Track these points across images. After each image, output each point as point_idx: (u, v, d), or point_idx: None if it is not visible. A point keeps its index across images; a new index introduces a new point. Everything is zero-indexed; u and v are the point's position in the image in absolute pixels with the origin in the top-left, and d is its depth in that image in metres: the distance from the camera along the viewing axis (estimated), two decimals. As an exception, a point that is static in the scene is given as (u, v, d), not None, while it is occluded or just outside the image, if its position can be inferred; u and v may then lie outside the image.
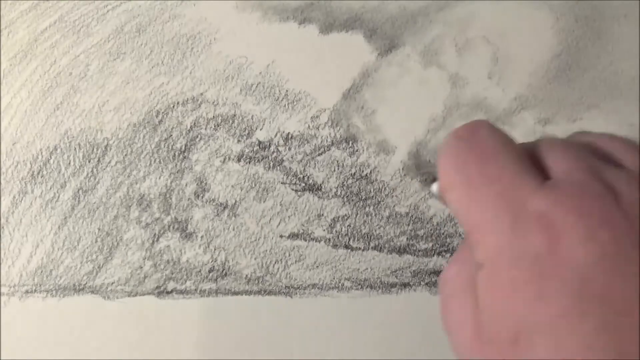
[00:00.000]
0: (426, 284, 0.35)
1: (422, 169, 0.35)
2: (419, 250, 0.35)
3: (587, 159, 0.23)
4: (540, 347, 0.20)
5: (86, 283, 0.34)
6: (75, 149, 0.34)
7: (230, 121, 0.34)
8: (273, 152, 0.34)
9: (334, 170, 0.34)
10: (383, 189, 0.35)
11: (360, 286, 0.35)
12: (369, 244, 0.35)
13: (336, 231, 0.34)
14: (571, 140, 0.26)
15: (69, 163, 0.34)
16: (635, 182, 0.21)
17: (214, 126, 0.34)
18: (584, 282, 0.20)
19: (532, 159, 0.24)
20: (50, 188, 0.34)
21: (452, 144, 0.24)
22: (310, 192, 0.34)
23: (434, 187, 0.34)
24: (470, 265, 0.23)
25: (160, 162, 0.34)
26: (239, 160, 0.34)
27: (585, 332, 0.19)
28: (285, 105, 0.34)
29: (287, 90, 0.34)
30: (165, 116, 0.34)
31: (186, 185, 0.34)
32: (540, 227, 0.21)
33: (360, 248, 0.35)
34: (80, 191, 0.34)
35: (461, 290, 0.23)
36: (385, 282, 0.35)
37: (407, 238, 0.35)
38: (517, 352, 0.20)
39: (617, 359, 0.19)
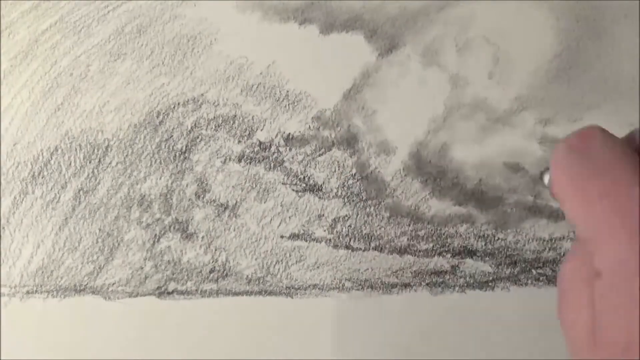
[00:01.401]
0: (427, 284, 0.35)
1: (422, 170, 0.35)
2: (420, 251, 0.35)
3: None
4: None
5: (87, 284, 0.34)
6: (76, 149, 0.34)
7: (231, 122, 0.34)
8: (274, 152, 0.34)
9: (335, 171, 0.34)
10: (384, 190, 0.35)
11: (360, 286, 0.35)
12: (369, 244, 0.35)
13: (337, 231, 0.34)
14: None
15: (70, 164, 0.34)
16: None
17: (215, 127, 0.34)
18: None
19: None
20: (51, 189, 0.34)
21: (565, 155, 0.24)
22: (311, 192, 0.34)
23: (546, 176, 0.33)
24: (587, 266, 0.23)
25: (161, 162, 0.34)
26: (239, 160, 0.34)
27: None
28: (285, 106, 0.34)
29: (287, 91, 0.34)
30: (166, 117, 0.34)
31: (187, 185, 0.34)
32: None
33: (360, 248, 0.35)
34: (81, 192, 0.34)
35: (578, 289, 0.23)
36: (386, 282, 0.35)
37: (408, 238, 0.35)
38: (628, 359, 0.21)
39: None
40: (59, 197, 0.34)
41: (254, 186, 0.34)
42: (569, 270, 0.24)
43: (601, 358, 0.22)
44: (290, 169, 0.34)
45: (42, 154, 0.34)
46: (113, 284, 0.34)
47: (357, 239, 0.35)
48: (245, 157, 0.34)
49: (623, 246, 0.22)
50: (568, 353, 0.24)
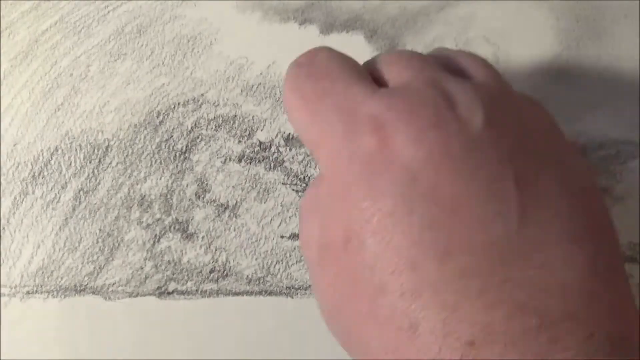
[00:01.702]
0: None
1: None
2: (420, 251, 0.35)
3: (429, 70, 0.23)
4: (370, 245, 0.20)
5: (87, 284, 0.34)
6: (76, 149, 0.34)
7: (231, 122, 0.35)
8: (274, 152, 0.34)
9: (335, 171, 0.34)
10: (384, 190, 0.35)
11: (361, 286, 0.35)
12: (369, 244, 0.35)
13: (337, 231, 0.34)
14: (422, 53, 0.26)
15: (70, 164, 0.34)
16: (476, 93, 0.22)
17: (215, 127, 0.34)
18: (412, 181, 0.20)
19: (374, 74, 0.24)
20: (51, 189, 0.34)
21: (292, 71, 0.25)
22: (311, 192, 0.34)
23: None
24: (318, 187, 0.23)
25: (161, 162, 0.34)
26: (239, 161, 0.34)
27: (412, 228, 0.19)
28: (286, 106, 0.34)
29: (287, 91, 0.34)
30: (166, 117, 0.34)
31: (187, 186, 0.34)
32: (372, 128, 0.21)
33: (361, 248, 0.35)
34: (81, 192, 0.34)
35: (310, 210, 0.24)
36: (386, 282, 0.35)
37: (408, 238, 0.35)
38: (349, 253, 0.20)
39: (444, 254, 0.19)
40: (59, 198, 0.34)
41: (254, 186, 0.34)
42: (304, 200, 0.25)
43: (327, 264, 0.22)
44: (291, 169, 0.34)
45: (42, 154, 0.34)
46: (113, 284, 0.34)
47: (357, 239, 0.35)
48: (245, 157, 0.34)
49: (338, 141, 0.22)
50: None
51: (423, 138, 0.20)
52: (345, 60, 0.24)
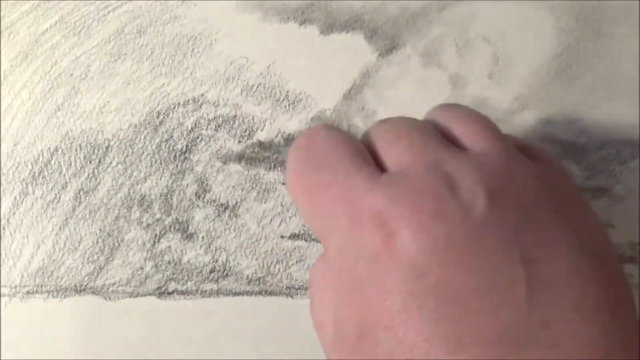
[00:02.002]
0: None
1: None
2: (420, 251, 0.35)
3: (427, 149, 0.22)
4: (384, 341, 0.20)
5: (87, 284, 0.34)
6: (76, 150, 0.34)
7: (231, 122, 0.34)
8: (274, 152, 0.34)
9: (335, 171, 0.34)
10: (384, 190, 0.35)
11: (361, 286, 0.35)
12: (369, 244, 0.35)
13: (337, 231, 0.34)
14: (418, 120, 0.25)
15: (70, 164, 0.34)
16: (477, 171, 0.21)
17: (215, 127, 0.34)
18: (419, 276, 0.20)
19: (372, 151, 0.24)
20: (52, 189, 0.34)
21: (293, 155, 0.25)
22: (311, 192, 0.34)
23: None
24: (330, 265, 0.24)
25: (161, 162, 0.34)
26: (239, 161, 0.34)
27: (423, 324, 0.19)
28: (286, 106, 0.34)
29: (287, 91, 0.34)
30: (166, 117, 0.34)
31: (187, 186, 0.34)
32: (375, 224, 0.21)
33: (361, 248, 0.35)
34: (81, 192, 0.34)
35: (325, 290, 0.24)
36: (386, 282, 0.35)
37: (408, 238, 0.35)
38: (363, 348, 0.21)
39: (455, 347, 0.19)
40: (59, 198, 0.34)
41: (254, 186, 0.34)
42: (315, 272, 0.24)
43: (343, 352, 0.22)
44: (291, 169, 0.34)
45: (42, 154, 0.34)
46: (113, 284, 0.34)
47: (357, 239, 0.35)
48: (245, 157, 0.34)
49: (344, 233, 0.22)
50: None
51: (427, 231, 0.20)
52: (344, 143, 0.24)
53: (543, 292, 0.20)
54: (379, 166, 0.23)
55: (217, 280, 0.34)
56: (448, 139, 0.23)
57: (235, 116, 0.35)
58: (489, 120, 0.25)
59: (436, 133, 0.24)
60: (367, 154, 0.23)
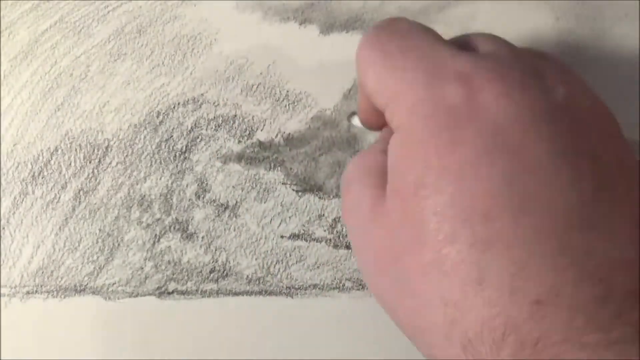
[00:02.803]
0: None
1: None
2: (420, 251, 0.35)
3: (511, 45, 0.23)
4: (446, 191, 0.20)
5: (87, 284, 0.34)
6: (76, 150, 0.34)
7: (231, 122, 0.34)
8: (274, 152, 0.34)
9: (335, 171, 0.34)
10: (384, 190, 0.35)
11: (361, 286, 0.35)
12: (369, 244, 0.35)
13: (337, 231, 0.34)
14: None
15: (70, 164, 0.34)
16: (558, 69, 0.22)
17: (215, 127, 0.34)
18: (497, 134, 0.20)
19: (460, 45, 0.24)
20: (51, 189, 0.34)
21: (371, 31, 0.25)
22: (311, 192, 0.34)
23: (354, 119, 0.34)
24: (372, 155, 0.24)
25: (161, 162, 0.34)
26: (239, 160, 0.34)
27: (492, 180, 0.19)
28: (286, 106, 0.34)
29: (287, 91, 0.34)
30: (166, 117, 0.34)
31: (187, 186, 0.34)
32: (458, 81, 0.21)
33: (361, 248, 0.35)
34: (81, 192, 0.34)
35: (361, 176, 0.24)
36: (386, 282, 0.35)
37: (408, 238, 0.35)
38: (420, 199, 0.20)
39: (519, 210, 0.19)
40: (59, 198, 0.34)
41: (254, 186, 0.34)
42: (350, 168, 0.24)
43: (389, 212, 0.22)
44: (291, 169, 0.34)
45: (42, 154, 0.34)
46: (113, 284, 0.34)
47: (357, 239, 0.35)
48: (245, 157, 0.34)
49: (420, 91, 0.21)
50: (353, 250, 0.24)
51: (512, 96, 0.20)
52: (427, 27, 0.24)
53: (605, 189, 0.20)
54: None
55: (217, 280, 0.34)
56: None
57: (235, 116, 0.35)
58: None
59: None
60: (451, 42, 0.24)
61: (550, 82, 0.21)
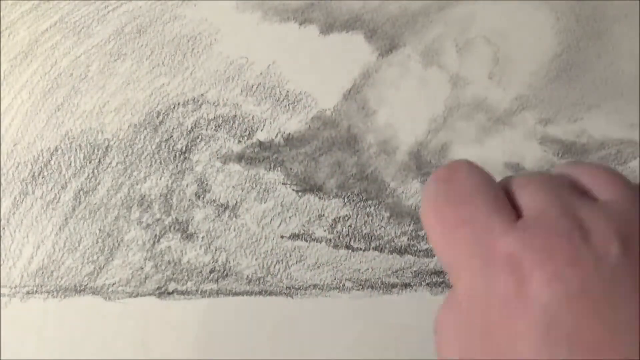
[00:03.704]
0: (427, 284, 0.35)
1: (423, 170, 0.35)
2: (420, 251, 0.35)
3: (561, 195, 0.23)
4: None
5: (87, 284, 0.34)
6: (76, 150, 0.34)
7: (231, 122, 0.34)
8: (274, 152, 0.34)
9: (335, 171, 0.34)
10: (384, 190, 0.35)
11: (361, 286, 0.35)
12: (369, 244, 0.35)
13: (337, 232, 0.34)
14: (551, 174, 0.26)
15: (70, 164, 0.34)
16: (608, 218, 0.22)
17: (215, 127, 0.34)
18: (551, 323, 0.20)
19: (508, 196, 0.24)
20: (51, 189, 0.34)
21: (432, 186, 0.25)
22: (311, 192, 0.34)
23: None
24: (456, 307, 0.24)
25: (161, 162, 0.34)
26: (239, 160, 0.34)
27: None
28: (286, 106, 0.34)
29: (287, 91, 0.34)
30: (166, 117, 0.34)
31: (187, 186, 0.34)
32: (509, 268, 0.21)
33: (361, 248, 0.35)
34: (81, 192, 0.34)
35: (452, 332, 0.24)
36: (386, 282, 0.35)
37: (408, 238, 0.35)
38: None
39: None
40: (59, 198, 0.34)
41: (254, 186, 0.34)
42: (442, 319, 0.25)
43: None
44: (291, 169, 0.34)
45: (42, 154, 0.34)
46: (113, 284, 0.34)
47: (357, 239, 0.35)
48: (245, 157, 0.34)
49: (475, 276, 0.22)
50: None
51: (560, 277, 0.20)
52: (484, 181, 0.24)
53: None
54: (515, 210, 0.23)
55: (217, 280, 0.34)
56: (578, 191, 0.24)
57: (235, 116, 0.35)
58: (615, 170, 0.25)
59: (568, 182, 0.24)
60: (504, 197, 0.24)
61: (601, 241, 0.21)
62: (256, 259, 0.34)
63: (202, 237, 0.34)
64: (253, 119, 0.34)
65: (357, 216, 0.35)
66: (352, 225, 0.35)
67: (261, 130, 0.34)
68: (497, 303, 0.21)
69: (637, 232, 0.21)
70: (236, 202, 0.34)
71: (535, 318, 0.20)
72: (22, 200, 0.34)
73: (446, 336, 0.24)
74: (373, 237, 0.35)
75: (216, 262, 0.34)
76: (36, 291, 0.34)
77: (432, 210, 0.24)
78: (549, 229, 0.21)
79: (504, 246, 0.21)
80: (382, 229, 0.35)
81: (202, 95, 0.34)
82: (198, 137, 0.34)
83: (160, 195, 0.34)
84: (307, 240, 0.34)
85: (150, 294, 0.34)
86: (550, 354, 0.20)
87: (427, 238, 0.24)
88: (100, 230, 0.34)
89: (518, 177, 0.25)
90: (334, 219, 0.34)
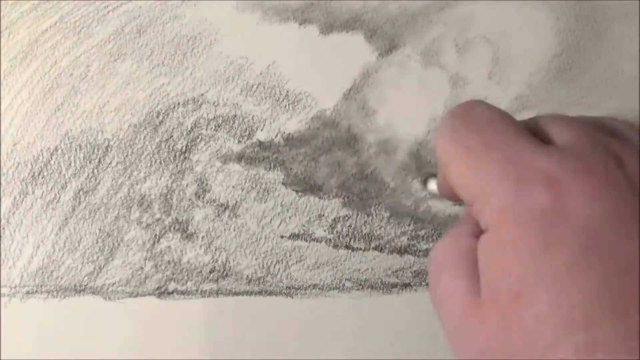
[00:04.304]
0: (427, 284, 0.35)
1: (423, 170, 0.35)
2: (420, 251, 0.35)
3: (590, 130, 0.23)
4: (545, 300, 0.20)
5: (87, 284, 0.34)
6: (76, 149, 0.34)
7: (231, 122, 0.34)
8: (274, 152, 0.34)
9: (335, 171, 0.34)
10: (384, 190, 0.35)
11: (361, 286, 0.35)
12: (369, 244, 0.35)
13: (337, 231, 0.34)
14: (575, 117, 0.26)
15: (70, 164, 0.34)
16: (637, 153, 0.22)
17: (215, 127, 0.34)
18: (589, 237, 0.20)
19: (533, 131, 0.24)
20: (51, 189, 0.34)
21: (449, 121, 0.24)
22: (311, 192, 0.34)
23: (430, 184, 0.34)
24: (463, 239, 0.24)
25: (161, 162, 0.34)
26: (239, 160, 0.34)
27: (588, 285, 0.19)
28: (286, 106, 0.34)
29: (287, 91, 0.34)
30: (165, 117, 0.34)
31: (187, 186, 0.34)
32: (546, 184, 0.21)
33: (361, 248, 0.35)
34: (81, 192, 0.34)
35: (452, 263, 0.23)
36: (386, 282, 0.35)
37: (408, 238, 0.35)
38: (519, 307, 0.20)
39: (620, 313, 0.19)
40: (59, 198, 0.34)
41: (254, 186, 0.34)
42: (440, 251, 0.24)
43: (486, 317, 0.22)
44: (291, 169, 0.34)
45: (42, 154, 0.34)
46: (113, 284, 0.34)
47: (357, 239, 0.35)
48: (245, 157, 0.34)
49: (508, 195, 0.21)
50: (448, 341, 0.24)
51: (599, 195, 0.20)
52: (504, 114, 0.24)
53: None
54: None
55: (217, 280, 0.34)
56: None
57: (235, 116, 0.35)
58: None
59: (593, 122, 0.24)
60: (525, 128, 0.24)
61: (632, 169, 0.21)
62: (256, 259, 0.34)
63: (202, 237, 0.34)
64: (253, 119, 0.34)
65: (357, 216, 0.35)
66: (352, 225, 0.35)
67: (261, 130, 0.34)
68: (533, 216, 0.21)
69: None
70: (236, 202, 0.34)
71: (573, 230, 0.20)
72: (22, 200, 0.34)
73: (448, 270, 0.24)
74: (373, 237, 0.35)
75: (216, 262, 0.34)
76: (36, 291, 0.34)
77: (452, 140, 0.23)
78: (584, 154, 0.22)
79: (538, 164, 0.21)
80: (382, 229, 0.35)
81: (202, 95, 0.34)
82: (198, 137, 0.34)
83: (160, 195, 0.34)
84: (307, 240, 0.34)
85: (150, 294, 0.34)
86: (586, 266, 0.20)
87: (447, 174, 0.24)
88: (100, 230, 0.34)
89: (542, 116, 0.25)
90: (334, 219, 0.34)
